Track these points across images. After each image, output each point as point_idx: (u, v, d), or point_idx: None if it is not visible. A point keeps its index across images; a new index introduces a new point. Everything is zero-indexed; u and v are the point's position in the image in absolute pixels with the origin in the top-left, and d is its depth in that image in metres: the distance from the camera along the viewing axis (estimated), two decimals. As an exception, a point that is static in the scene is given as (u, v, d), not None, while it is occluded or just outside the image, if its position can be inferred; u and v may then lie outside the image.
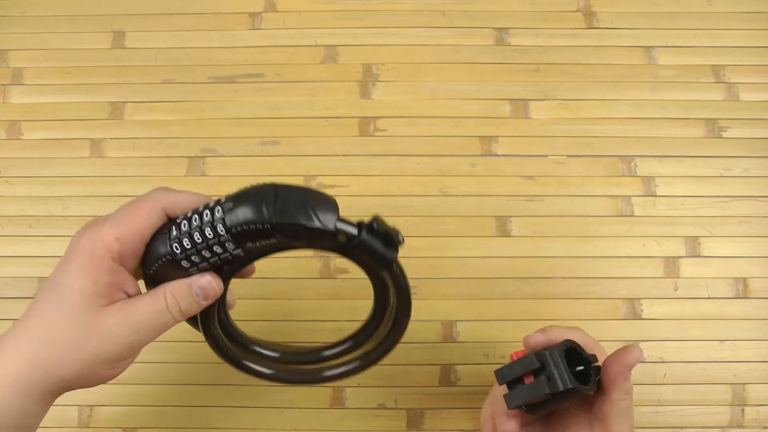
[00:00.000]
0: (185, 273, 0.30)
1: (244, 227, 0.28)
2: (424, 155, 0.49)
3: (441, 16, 0.53)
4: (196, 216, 0.30)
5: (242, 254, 0.30)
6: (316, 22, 0.53)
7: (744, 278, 0.47)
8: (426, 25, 0.53)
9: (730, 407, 0.45)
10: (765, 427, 0.44)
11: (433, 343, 0.46)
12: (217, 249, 0.29)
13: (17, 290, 0.47)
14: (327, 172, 0.49)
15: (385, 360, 0.42)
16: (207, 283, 0.30)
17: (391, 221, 0.49)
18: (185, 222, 0.30)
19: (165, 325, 0.30)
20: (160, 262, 0.30)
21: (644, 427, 0.44)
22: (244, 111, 0.50)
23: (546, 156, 0.49)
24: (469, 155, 0.49)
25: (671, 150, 0.49)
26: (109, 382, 0.31)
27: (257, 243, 0.29)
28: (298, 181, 0.49)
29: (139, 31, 0.53)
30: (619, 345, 0.45)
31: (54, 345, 0.29)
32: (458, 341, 0.46)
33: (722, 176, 0.49)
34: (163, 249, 0.30)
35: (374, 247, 0.31)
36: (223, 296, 0.33)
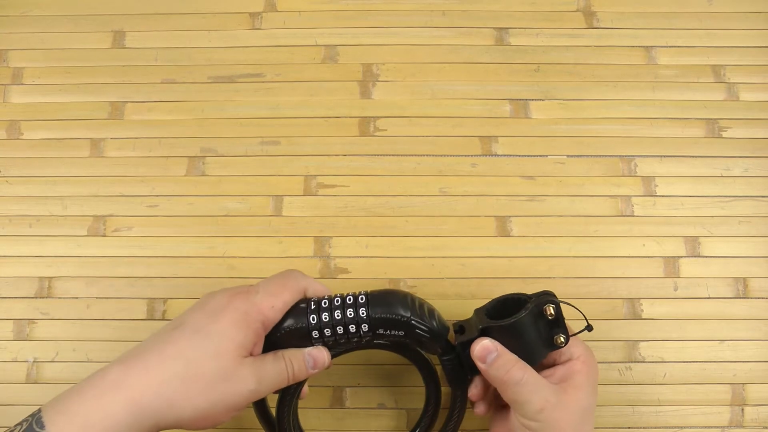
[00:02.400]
0: (305, 344, 0.36)
1: (385, 315, 0.36)
2: (424, 155, 0.49)
3: (441, 16, 0.53)
4: (339, 298, 0.36)
5: (370, 335, 0.36)
6: (316, 22, 0.53)
7: (744, 278, 0.47)
8: (426, 25, 0.53)
9: (730, 407, 0.45)
10: (765, 427, 0.44)
11: (433, 343, 0.46)
12: (351, 328, 0.36)
13: (17, 290, 0.47)
14: (327, 172, 0.49)
15: (385, 360, 0.42)
16: (319, 353, 0.36)
17: (391, 221, 0.49)
18: (326, 301, 0.36)
19: (280, 383, 0.35)
20: (290, 329, 0.36)
21: (644, 427, 0.44)
22: (244, 111, 0.50)
23: (546, 156, 0.49)
24: (469, 155, 0.49)
25: (671, 150, 0.49)
26: None
27: (388, 332, 0.36)
28: (298, 181, 0.49)
29: (139, 31, 0.53)
30: (619, 345, 0.46)
31: (188, 381, 0.31)
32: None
33: (722, 176, 0.49)
34: (298, 319, 0.36)
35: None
36: (302, 383, 0.38)
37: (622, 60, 0.52)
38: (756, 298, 0.46)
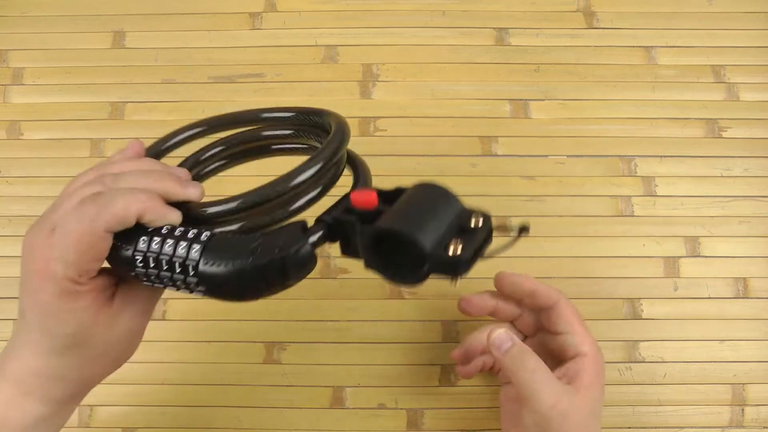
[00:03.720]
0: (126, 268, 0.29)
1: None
2: (424, 155, 0.49)
3: (441, 16, 0.53)
4: (180, 230, 0.29)
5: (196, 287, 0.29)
6: (316, 22, 0.53)
7: (744, 278, 0.47)
8: (426, 25, 0.53)
9: (730, 407, 0.45)
10: (765, 427, 0.44)
11: (433, 343, 0.46)
12: (177, 268, 0.28)
13: (17, 290, 0.47)
14: (327, 172, 0.49)
15: (385, 360, 0.42)
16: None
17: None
18: (168, 228, 0.29)
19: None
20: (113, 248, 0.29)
21: (644, 427, 0.44)
22: (244, 111, 0.50)
23: (546, 156, 0.49)
24: (469, 155, 0.49)
25: (671, 150, 0.49)
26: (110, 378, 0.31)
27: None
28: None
29: (139, 31, 0.53)
30: (620, 345, 0.46)
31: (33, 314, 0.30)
32: (458, 341, 0.46)
33: (722, 176, 0.49)
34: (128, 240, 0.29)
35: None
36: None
37: (622, 60, 0.52)
38: (756, 298, 0.46)
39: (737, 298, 0.46)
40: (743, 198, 0.48)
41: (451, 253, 0.28)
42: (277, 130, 0.38)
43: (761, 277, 0.47)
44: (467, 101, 0.51)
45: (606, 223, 0.48)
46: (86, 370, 0.31)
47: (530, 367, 0.34)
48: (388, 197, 0.30)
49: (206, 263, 0.27)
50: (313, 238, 0.29)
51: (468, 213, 0.30)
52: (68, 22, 0.53)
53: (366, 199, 0.29)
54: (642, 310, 0.46)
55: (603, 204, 0.48)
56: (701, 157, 0.49)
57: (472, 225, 0.29)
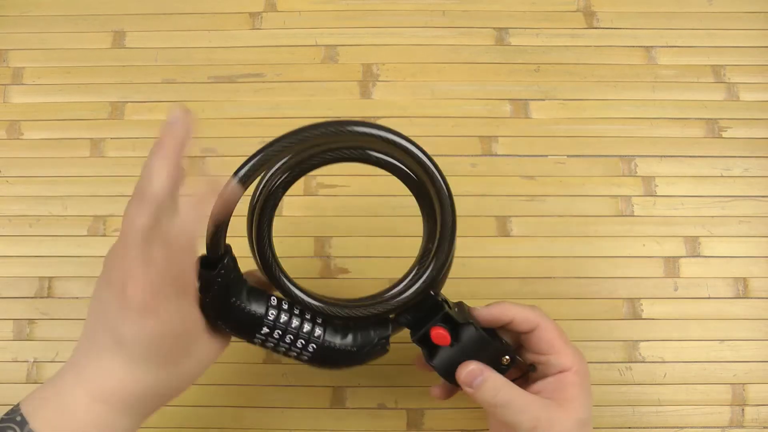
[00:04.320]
0: (249, 333, 0.35)
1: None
2: (424, 155, 0.49)
3: (441, 16, 0.53)
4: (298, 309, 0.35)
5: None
6: (316, 22, 0.53)
7: (744, 278, 0.47)
8: (426, 25, 0.53)
9: (730, 407, 0.45)
10: (765, 427, 0.44)
11: (433, 343, 0.46)
12: (298, 343, 0.35)
13: (17, 290, 0.47)
14: (327, 171, 0.49)
15: (385, 360, 0.42)
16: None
17: (391, 221, 0.49)
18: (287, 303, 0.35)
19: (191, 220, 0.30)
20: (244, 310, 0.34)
21: (644, 427, 0.44)
22: (244, 111, 0.50)
23: (546, 156, 0.49)
24: (469, 155, 0.49)
25: (671, 150, 0.49)
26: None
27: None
28: (298, 181, 0.49)
29: (139, 31, 0.53)
30: (619, 345, 0.46)
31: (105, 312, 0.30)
32: (458, 341, 0.46)
33: (722, 176, 0.49)
34: (258, 304, 0.34)
35: None
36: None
37: (622, 60, 0.52)
38: (756, 298, 0.46)
39: (737, 298, 0.46)
40: (743, 198, 0.48)
41: (503, 362, 0.36)
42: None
43: (761, 277, 0.47)
44: (467, 101, 0.51)
45: (606, 223, 0.48)
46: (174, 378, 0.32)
47: (503, 400, 0.34)
48: (455, 328, 0.36)
49: (325, 342, 0.35)
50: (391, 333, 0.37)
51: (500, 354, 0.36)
52: (68, 21, 0.53)
53: (443, 339, 0.35)
54: (642, 310, 0.46)
55: (603, 204, 0.48)
56: (701, 157, 0.49)
57: (504, 363, 0.36)
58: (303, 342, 0.34)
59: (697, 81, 0.51)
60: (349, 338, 0.35)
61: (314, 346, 0.35)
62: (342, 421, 0.45)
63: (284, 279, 0.36)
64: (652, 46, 0.52)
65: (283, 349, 0.35)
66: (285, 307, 0.35)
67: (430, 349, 0.36)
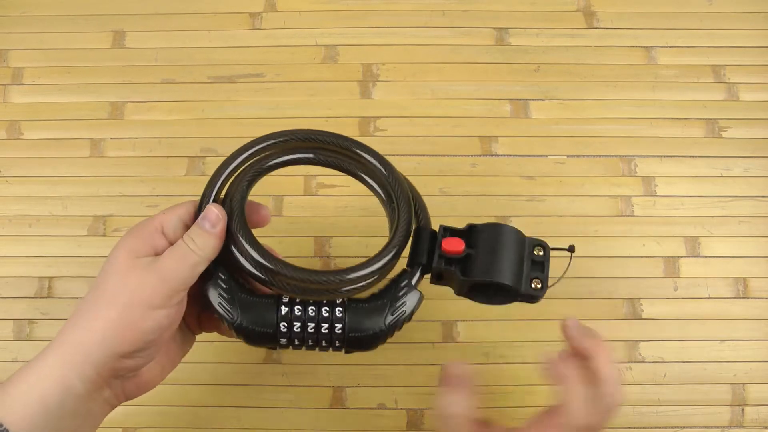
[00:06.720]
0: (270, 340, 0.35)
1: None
2: (424, 155, 0.49)
3: (441, 16, 0.53)
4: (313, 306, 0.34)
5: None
6: (316, 22, 0.53)
7: (744, 278, 0.47)
8: (426, 25, 0.53)
9: (730, 407, 0.45)
10: (765, 427, 0.44)
11: (433, 343, 0.46)
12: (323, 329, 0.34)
13: (17, 290, 0.47)
14: (327, 171, 0.49)
15: (385, 360, 0.42)
16: (207, 211, 0.34)
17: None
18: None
19: (186, 260, 0.33)
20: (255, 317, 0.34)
21: (644, 427, 0.44)
22: (244, 111, 0.50)
23: (546, 156, 0.49)
24: (469, 155, 0.49)
25: (671, 150, 0.49)
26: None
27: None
28: (298, 181, 0.49)
29: (139, 31, 0.53)
30: (620, 345, 0.46)
31: (97, 305, 0.32)
32: (458, 341, 0.46)
33: (722, 176, 0.49)
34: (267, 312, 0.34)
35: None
36: (243, 223, 0.35)
37: (622, 60, 0.52)
38: (756, 298, 0.46)
39: (737, 298, 0.46)
40: (743, 198, 0.48)
41: (533, 286, 0.35)
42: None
43: (761, 277, 0.47)
44: (467, 101, 0.51)
45: (606, 223, 0.48)
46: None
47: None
48: (466, 236, 0.35)
49: (350, 326, 0.34)
50: (417, 281, 0.36)
51: (531, 244, 0.35)
52: (68, 21, 0.53)
53: (456, 248, 0.34)
54: (642, 310, 0.46)
55: (603, 204, 0.48)
56: (701, 157, 0.49)
57: (537, 254, 0.35)
58: (327, 329, 0.34)
59: (697, 81, 0.51)
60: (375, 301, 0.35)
61: (340, 330, 0.34)
62: (342, 421, 0.45)
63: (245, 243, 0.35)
64: (652, 46, 0.52)
65: (311, 341, 0.34)
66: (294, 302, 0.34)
67: (461, 267, 0.34)
